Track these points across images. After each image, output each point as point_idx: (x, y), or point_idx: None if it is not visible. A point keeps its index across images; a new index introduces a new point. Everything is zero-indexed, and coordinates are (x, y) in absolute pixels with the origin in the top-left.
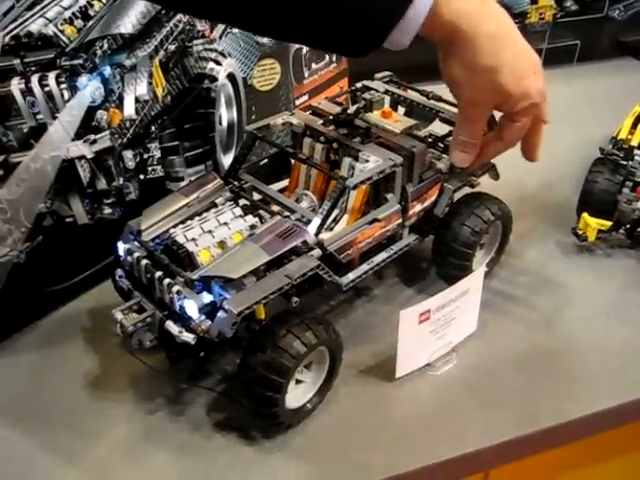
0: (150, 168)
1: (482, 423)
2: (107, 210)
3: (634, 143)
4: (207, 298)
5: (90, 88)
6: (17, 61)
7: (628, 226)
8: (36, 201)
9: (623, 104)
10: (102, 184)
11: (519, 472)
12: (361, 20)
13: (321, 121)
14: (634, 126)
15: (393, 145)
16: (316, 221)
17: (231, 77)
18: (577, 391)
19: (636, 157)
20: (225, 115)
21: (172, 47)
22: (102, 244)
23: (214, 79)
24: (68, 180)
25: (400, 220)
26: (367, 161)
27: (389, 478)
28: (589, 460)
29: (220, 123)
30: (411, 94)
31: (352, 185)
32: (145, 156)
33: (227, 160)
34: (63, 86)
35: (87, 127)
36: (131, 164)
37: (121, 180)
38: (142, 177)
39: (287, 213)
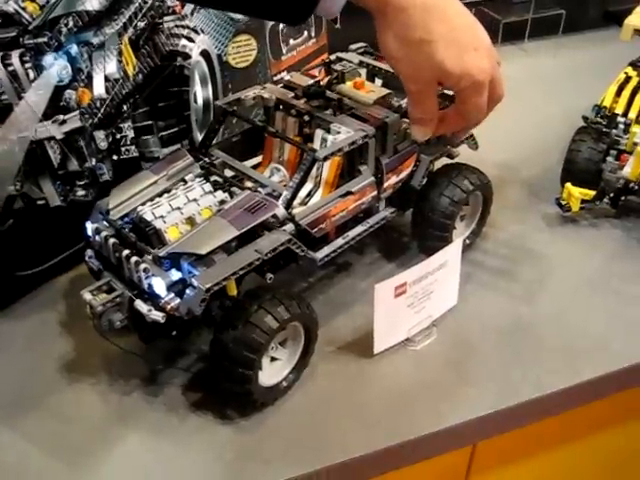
0: (124, 148)
1: (464, 397)
2: (80, 192)
3: (618, 111)
4: (176, 275)
5: (56, 67)
6: None
7: (612, 195)
8: (5, 184)
9: (610, 75)
10: (74, 165)
11: (507, 445)
12: None
13: (292, 94)
14: (618, 94)
15: (365, 116)
16: (286, 194)
17: (205, 54)
18: (560, 363)
19: (620, 125)
20: (200, 93)
21: (142, 24)
22: (76, 226)
23: (187, 56)
24: (38, 162)
25: (375, 193)
26: (339, 133)
27: (370, 454)
28: (575, 432)
29: (195, 101)
30: (387, 64)
31: (322, 157)
32: (118, 136)
33: None
34: (28, 65)
35: (56, 107)
36: (103, 144)
37: (93, 161)
38: (116, 158)
39: (259, 188)
